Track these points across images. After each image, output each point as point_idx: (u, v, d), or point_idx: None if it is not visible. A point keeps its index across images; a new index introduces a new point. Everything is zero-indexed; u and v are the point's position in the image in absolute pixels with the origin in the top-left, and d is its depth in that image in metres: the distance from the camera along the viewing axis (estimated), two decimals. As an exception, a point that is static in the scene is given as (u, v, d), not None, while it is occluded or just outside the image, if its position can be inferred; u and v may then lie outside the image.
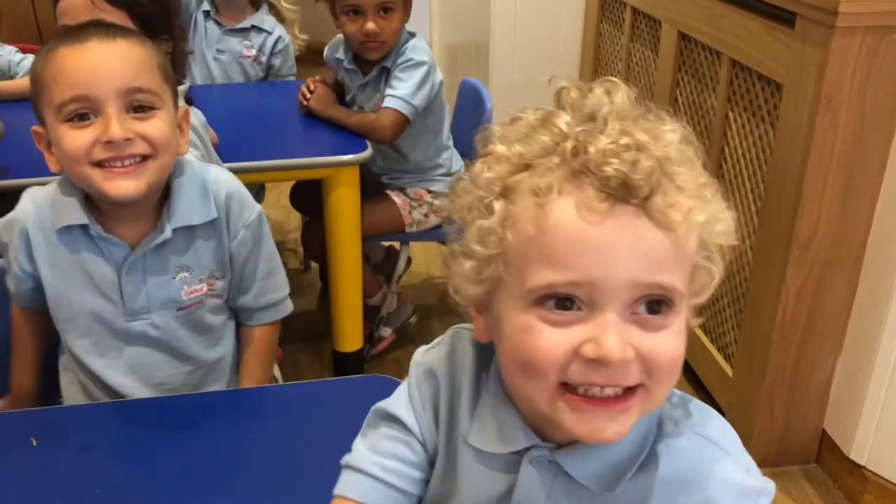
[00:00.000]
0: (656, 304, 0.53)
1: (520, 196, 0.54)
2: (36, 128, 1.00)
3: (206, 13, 2.24)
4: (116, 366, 1.08)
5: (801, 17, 1.45)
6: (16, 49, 2.14)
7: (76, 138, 0.94)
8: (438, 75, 1.94)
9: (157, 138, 0.97)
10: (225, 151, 1.56)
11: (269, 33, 2.25)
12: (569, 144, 0.53)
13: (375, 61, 1.92)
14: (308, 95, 1.95)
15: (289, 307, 1.20)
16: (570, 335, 0.52)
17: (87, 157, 0.94)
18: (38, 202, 1.04)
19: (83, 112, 0.94)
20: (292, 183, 2.30)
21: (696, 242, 0.54)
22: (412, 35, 1.93)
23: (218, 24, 2.24)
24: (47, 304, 1.07)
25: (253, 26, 2.24)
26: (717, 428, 0.62)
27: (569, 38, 2.75)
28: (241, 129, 1.82)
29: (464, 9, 2.38)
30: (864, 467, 1.62)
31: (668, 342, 0.53)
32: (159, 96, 0.98)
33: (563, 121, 0.54)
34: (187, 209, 1.04)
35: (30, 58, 2.12)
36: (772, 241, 1.59)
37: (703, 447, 0.60)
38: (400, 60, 1.89)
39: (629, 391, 0.54)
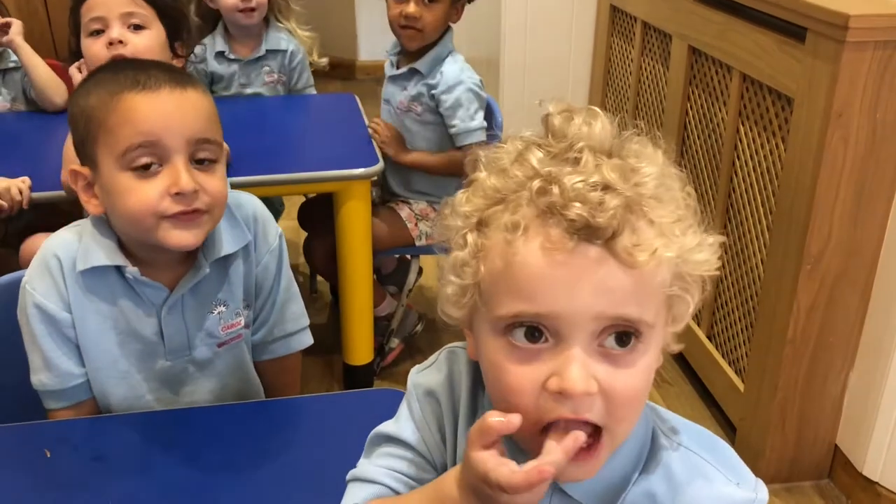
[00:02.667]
0: (625, 335, 0.54)
1: (492, 230, 0.56)
2: (76, 167, 0.97)
3: (220, 53, 2.18)
4: (151, 403, 1.06)
5: (811, 31, 1.45)
6: None
7: (144, 191, 0.92)
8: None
9: (217, 195, 0.96)
10: (235, 164, 1.58)
11: (285, 51, 2.24)
12: (535, 184, 0.54)
13: (411, 58, 1.94)
14: (379, 132, 1.95)
15: (307, 340, 1.16)
16: (536, 371, 0.54)
17: (154, 210, 0.92)
18: (64, 243, 0.99)
19: (148, 161, 0.92)
20: (300, 200, 2.30)
21: (670, 275, 0.55)
22: (451, 52, 1.94)
23: (233, 61, 2.19)
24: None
25: (268, 51, 2.21)
26: (707, 443, 0.63)
27: (579, 53, 2.76)
28: (252, 141, 1.83)
29: (474, 24, 2.39)
30: (877, 483, 1.60)
31: (631, 378, 0.54)
32: (221, 148, 0.98)
33: (536, 157, 0.55)
34: (220, 238, 1.01)
35: None
36: (783, 255, 1.59)
37: (694, 463, 0.61)
38: (442, 85, 1.89)
39: (595, 439, 0.55)
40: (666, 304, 0.56)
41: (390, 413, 0.76)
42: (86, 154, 0.96)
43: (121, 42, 1.39)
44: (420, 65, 1.93)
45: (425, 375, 0.70)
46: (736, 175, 1.80)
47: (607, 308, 0.52)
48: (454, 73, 1.91)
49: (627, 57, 2.46)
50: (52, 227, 1.55)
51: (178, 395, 1.07)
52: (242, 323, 1.07)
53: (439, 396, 0.68)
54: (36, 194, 1.60)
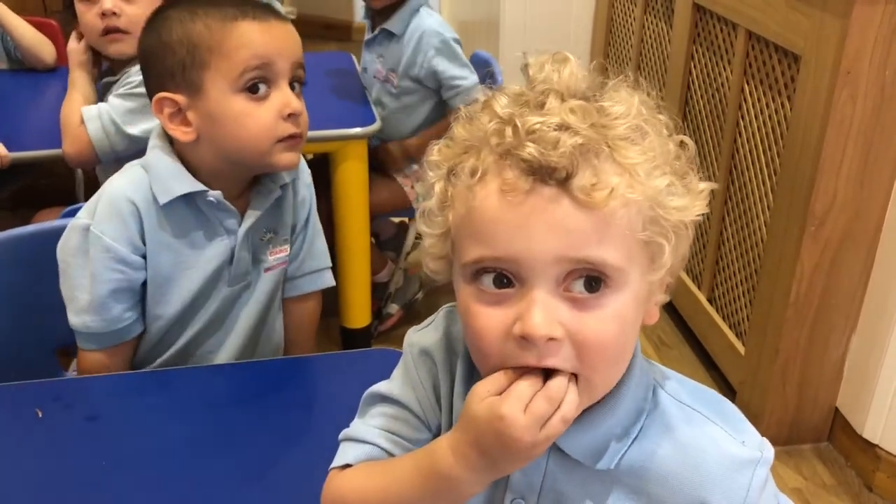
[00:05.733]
0: (595, 280, 0.52)
1: (458, 178, 0.56)
2: (164, 94, 0.97)
3: None
4: (197, 328, 1.07)
5: (820, -15, 1.42)
6: None
7: (261, 115, 0.97)
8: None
9: (307, 119, 1.01)
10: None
11: None
12: (492, 126, 0.54)
13: (381, 18, 1.89)
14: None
15: (330, 279, 1.19)
16: (503, 316, 0.53)
17: (272, 133, 0.97)
18: (133, 184, 0.99)
19: (257, 82, 0.97)
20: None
21: (642, 219, 0.53)
22: (421, 5, 1.89)
23: None
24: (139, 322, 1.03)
25: None
26: (711, 402, 0.62)
27: (581, 12, 2.71)
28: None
29: (474, -18, 2.35)
30: (877, 446, 1.60)
31: (601, 323, 0.53)
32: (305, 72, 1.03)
33: (499, 103, 0.55)
34: None
35: None
36: (787, 216, 1.57)
37: (697, 421, 0.60)
38: (425, 41, 1.85)
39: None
40: (644, 251, 0.54)
41: (388, 373, 0.75)
42: (183, 81, 0.97)
43: (114, 14, 1.41)
44: (392, 25, 1.88)
45: (421, 335, 0.69)
46: (740, 135, 1.77)
47: (567, 250, 0.51)
48: (441, 23, 1.87)
49: (630, 15, 2.41)
50: (47, 191, 1.52)
51: (224, 321, 1.09)
52: (288, 251, 1.11)
53: (434, 356, 0.67)
54: (24, 154, 1.57)
